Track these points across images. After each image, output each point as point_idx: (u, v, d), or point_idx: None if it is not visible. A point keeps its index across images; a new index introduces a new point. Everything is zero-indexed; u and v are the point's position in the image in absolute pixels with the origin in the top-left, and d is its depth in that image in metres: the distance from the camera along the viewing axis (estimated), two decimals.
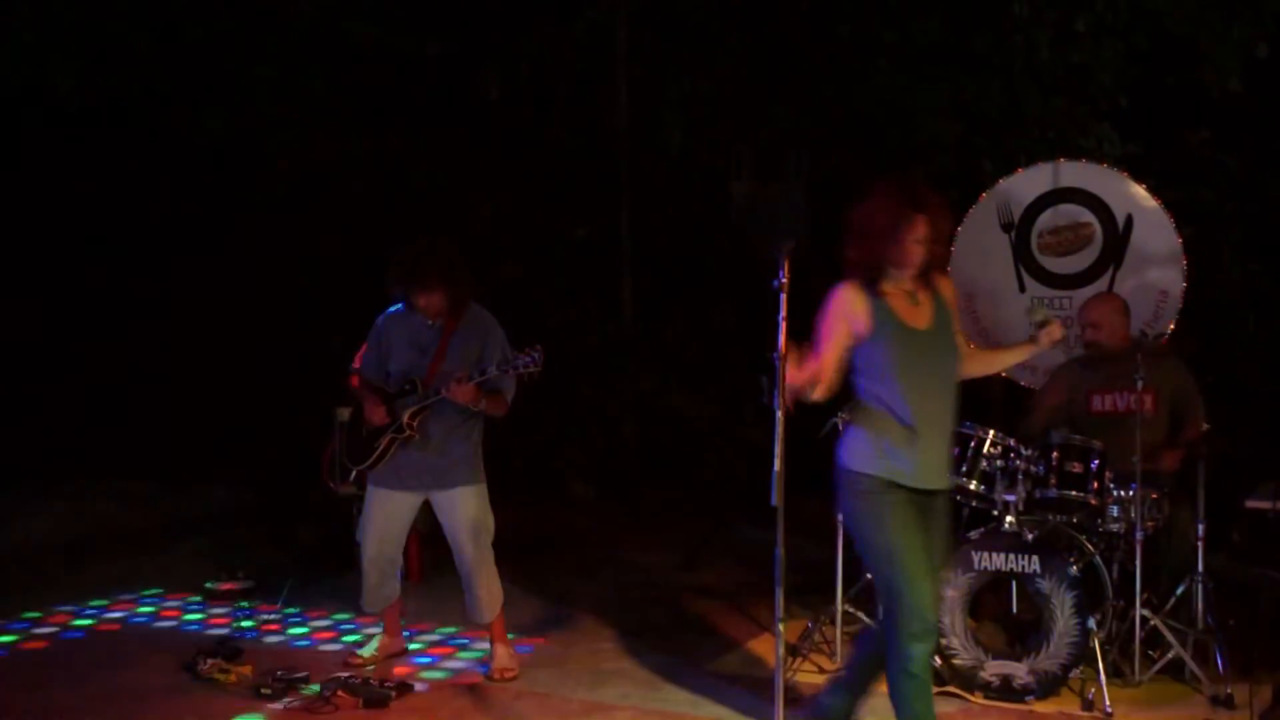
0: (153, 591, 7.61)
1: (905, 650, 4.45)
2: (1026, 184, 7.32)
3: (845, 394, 6.08)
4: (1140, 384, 5.71)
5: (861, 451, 4.55)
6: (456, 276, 5.91)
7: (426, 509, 6.11)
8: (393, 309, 6.09)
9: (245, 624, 6.77)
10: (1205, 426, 6.11)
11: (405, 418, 5.89)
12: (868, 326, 4.50)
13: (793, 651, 5.97)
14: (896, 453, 4.48)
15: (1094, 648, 5.41)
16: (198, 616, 7.05)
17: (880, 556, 4.50)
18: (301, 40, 11.12)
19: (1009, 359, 4.98)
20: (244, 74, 11.18)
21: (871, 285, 4.51)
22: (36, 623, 6.90)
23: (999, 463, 5.56)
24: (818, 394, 4.47)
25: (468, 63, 10.90)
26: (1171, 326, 6.95)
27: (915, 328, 4.52)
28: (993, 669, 5.53)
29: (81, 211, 11.57)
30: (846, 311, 4.51)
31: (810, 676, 5.92)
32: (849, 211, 4.54)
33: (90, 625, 6.90)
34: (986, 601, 6.14)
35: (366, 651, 6.24)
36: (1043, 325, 4.63)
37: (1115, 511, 5.78)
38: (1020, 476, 5.56)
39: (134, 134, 11.39)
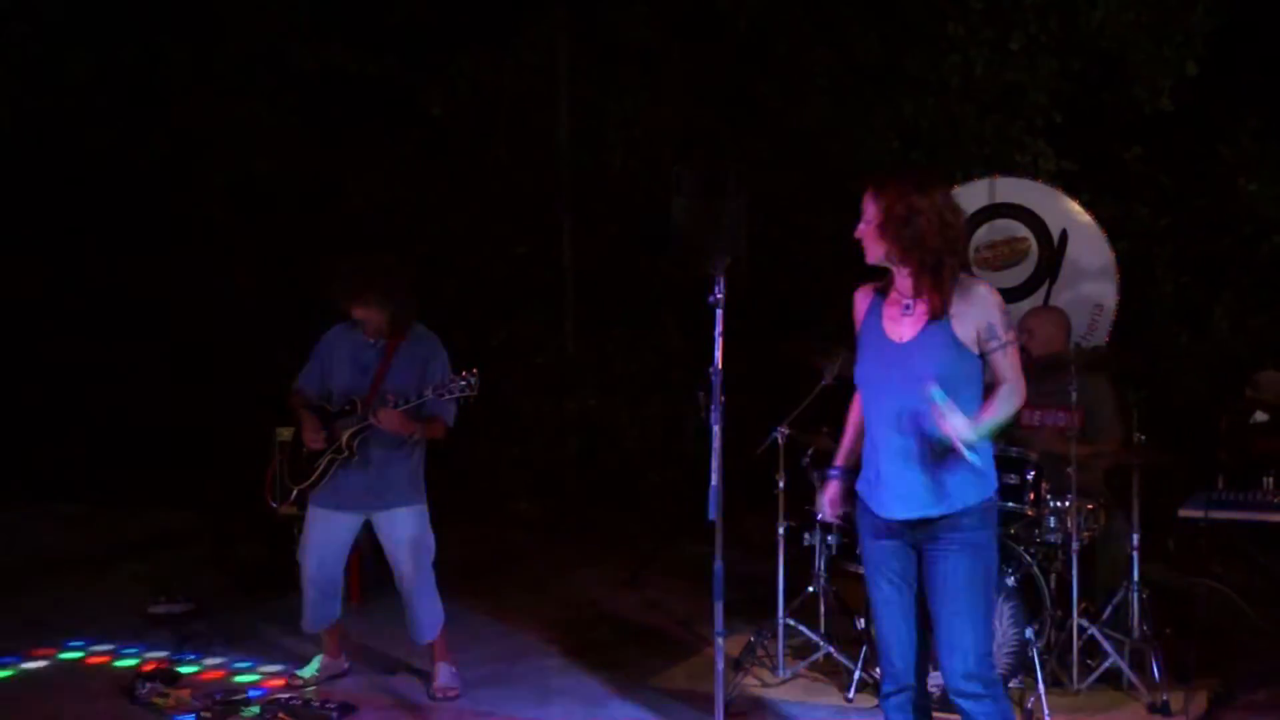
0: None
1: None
2: (963, 200, 7.31)
3: (784, 409, 6.18)
4: (1074, 396, 5.77)
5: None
6: (396, 294, 5.86)
7: (369, 528, 6.07)
8: (338, 325, 6.06)
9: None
10: (1140, 438, 6.16)
11: (344, 438, 5.85)
12: (860, 328, 4.20)
13: (735, 666, 5.99)
14: (869, 475, 4.15)
15: (1032, 657, 5.47)
16: (133, 653, 6.82)
17: None
18: (242, 60, 11.08)
19: None
20: (184, 93, 11.12)
21: (885, 286, 4.16)
22: None
23: None
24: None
25: (409, 82, 10.90)
26: (1107, 339, 7.04)
27: (892, 339, 4.06)
28: (933, 680, 5.54)
29: (13, 230, 11.45)
30: (856, 311, 4.23)
31: (752, 690, 5.94)
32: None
33: (26, 652, 6.78)
34: (925, 614, 6.15)
35: (307, 672, 6.19)
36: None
37: (1052, 522, 5.85)
38: None
39: (70, 153, 11.29)
